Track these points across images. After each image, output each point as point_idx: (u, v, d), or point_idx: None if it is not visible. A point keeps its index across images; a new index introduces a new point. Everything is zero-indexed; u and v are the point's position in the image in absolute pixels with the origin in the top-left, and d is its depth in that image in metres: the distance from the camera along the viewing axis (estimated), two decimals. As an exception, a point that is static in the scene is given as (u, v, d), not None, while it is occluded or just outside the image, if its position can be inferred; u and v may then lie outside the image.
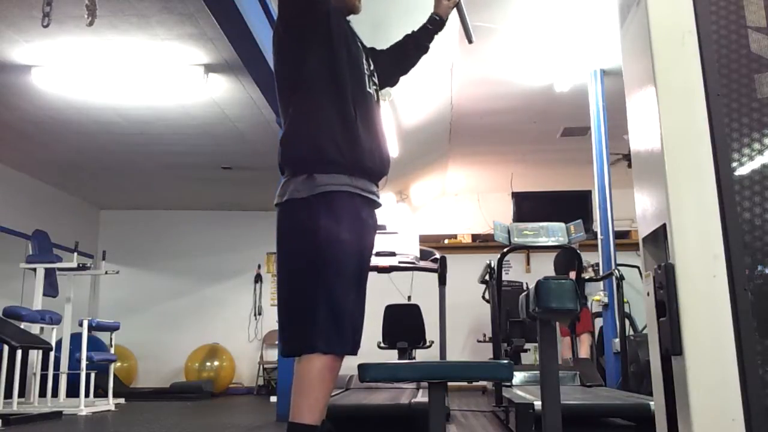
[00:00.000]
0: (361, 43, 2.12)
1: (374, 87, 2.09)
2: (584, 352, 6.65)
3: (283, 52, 2.00)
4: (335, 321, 1.82)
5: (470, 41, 2.29)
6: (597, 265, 5.94)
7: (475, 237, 8.83)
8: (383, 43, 2.30)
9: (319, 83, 1.94)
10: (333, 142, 1.90)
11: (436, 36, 2.33)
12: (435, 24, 2.30)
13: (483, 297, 6.42)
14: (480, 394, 6.67)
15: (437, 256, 4.99)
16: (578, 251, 4.98)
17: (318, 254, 1.86)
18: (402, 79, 2.43)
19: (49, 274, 6.15)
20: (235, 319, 8.94)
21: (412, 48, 2.31)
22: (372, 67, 2.12)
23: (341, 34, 1.99)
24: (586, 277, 5.72)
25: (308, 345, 1.82)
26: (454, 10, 2.30)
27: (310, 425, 1.78)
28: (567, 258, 6.64)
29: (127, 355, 8.31)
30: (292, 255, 1.91)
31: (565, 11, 4.73)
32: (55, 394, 5.95)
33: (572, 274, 5.87)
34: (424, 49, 2.34)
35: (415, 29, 2.32)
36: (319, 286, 1.84)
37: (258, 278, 9.14)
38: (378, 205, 2.05)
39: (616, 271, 5.09)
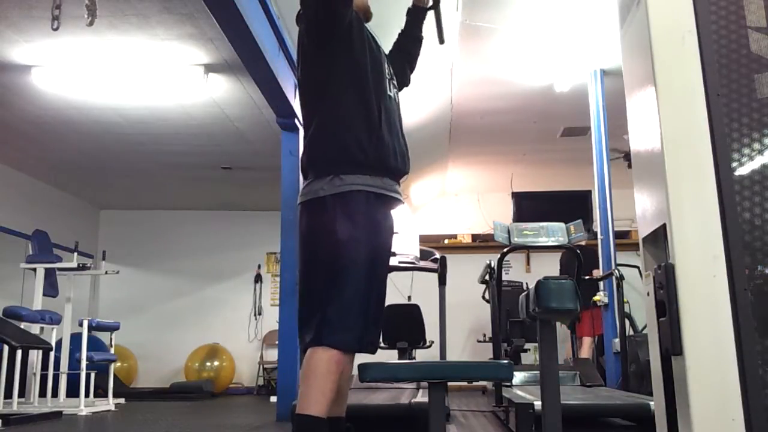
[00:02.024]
0: (381, 48, 2.20)
1: (395, 90, 2.20)
2: (585, 353, 6.64)
3: (309, 60, 2.08)
4: (344, 318, 1.90)
5: (441, 42, 2.37)
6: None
7: (475, 237, 8.83)
8: (384, 42, 2.32)
9: (345, 88, 2.03)
10: (358, 143, 1.99)
11: (422, 23, 2.41)
12: (412, 13, 2.40)
13: (483, 297, 6.42)
14: (480, 394, 6.68)
15: (437, 256, 4.99)
16: (578, 252, 4.98)
17: (331, 254, 1.94)
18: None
19: (49, 274, 6.15)
20: (235, 319, 8.94)
21: (408, 41, 2.41)
22: (392, 71, 2.22)
23: (363, 41, 2.08)
24: (596, 277, 5.71)
25: (317, 339, 1.91)
26: (432, 6, 2.37)
27: (315, 416, 1.82)
28: (573, 258, 6.62)
29: (127, 355, 8.31)
30: (309, 253, 2.01)
31: (565, 11, 4.72)
32: (55, 394, 5.94)
33: (596, 272, 5.84)
34: (418, 39, 2.43)
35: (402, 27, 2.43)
36: (331, 284, 1.92)
37: (258, 278, 9.14)
38: (399, 202, 2.13)
39: (616, 271, 5.09)
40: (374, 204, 2.02)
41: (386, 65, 2.17)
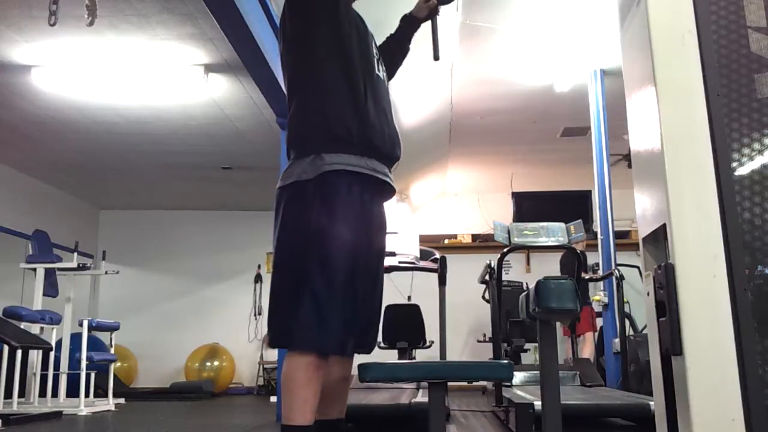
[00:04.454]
0: (369, 30, 2.08)
1: (383, 71, 2.05)
2: (587, 351, 6.64)
3: (291, 31, 1.95)
4: (319, 318, 1.75)
5: (436, 58, 2.26)
6: (597, 265, 5.95)
7: (475, 237, 8.83)
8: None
9: (329, 62, 1.89)
10: (341, 118, 1.84)
11: (412, 35, 2.27)
12: (407, 22, 2.25)
13: (483, 297, 6.42)
14: (480, 394, 6.67)
15: (437, 256, 4.99)
16: (579, 252, 4.98)
17: (307, 246, 1.78)
18: (401, 78, 2.41)
19: (49, 274, 6.15)
20: (235, 319, 8.94)
21: (394, 51, 2.27)
22: (379, 54, 2.08)
23: (349, 16, 1.96)
24: (587, 277, 5.72)
25: (291, 340, 1.77)
26: (428, 19, 2.25)
27: (301, 426, 1.74)
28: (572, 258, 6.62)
29: (127, 355, 8.31)
30: (283, 244, 1.83)
31: (565, 11, 4.72)
32: (55, 394, 5.94)
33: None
34: (405, 52, 2.29)
35: (392, 32, 2.28)
36: (305, 280, 1.76)
37: (258, 278, 9.14)
38: (391, 188, 1.97)
39: (616, 271, 5.09)
40: (360, 188, 1.86)
41: (374, 46, 2.05)
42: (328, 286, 1.77)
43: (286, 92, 1.99)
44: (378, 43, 2.19)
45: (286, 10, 1.96)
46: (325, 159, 1.81)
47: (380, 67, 2.03)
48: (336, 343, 1.79)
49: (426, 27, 2.30)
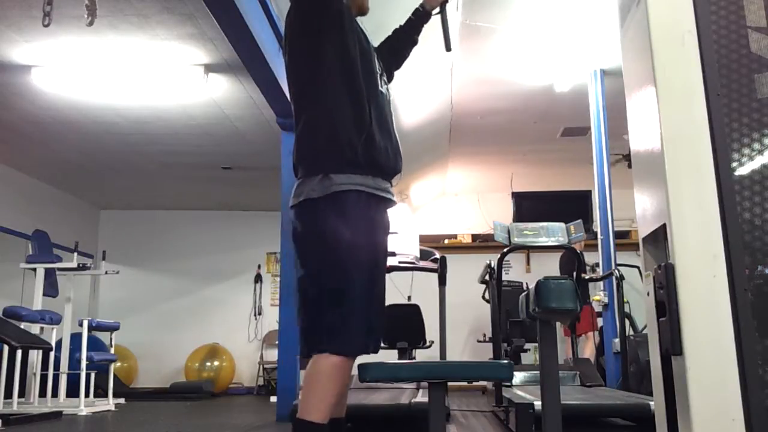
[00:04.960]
0: (371, 43, 2.14)
1: (385, 86, 2.12)
2: (588, 351, 6.64)
3: (297, 53, 2.02)
4: (345, 322, 1.85)
5: (448, 49, 2.30)
6: (597, 265, 5.95)
7: (475, 237, 8.83)
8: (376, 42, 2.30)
9: (335, 83, 1.96)
10: (349, 141, 1.92)
11: (422, 28, 2.34)
12: (419, 15, 2.32)
13: (483, 297, 6.42)
14: (480, 394, 6.68)
15: (437, 256, 4.99)
16: (579, 252, 4.98)
17: (328, 257, 1.89)
18: (401, 78, 2.43)
19: (49, 274, 6.15)
20: (235, 319, 8.94)
21: (403, 42, 2.34)
22: (382, 67, 2.15)
23: (354, 34, 2.01)
24: (587, 277, 5.72)
25: (319, 345, 1.85)
26: (439, 11, 2.30)
27: (316, 423, 1.79)
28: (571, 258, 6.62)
29: (127, 355, 8.31)
30: (306, 258, 1.94)
31: (565, 11, 4.72)
32: (55, 394, 5.95)
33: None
34: (414, 42, 2.36)
35: (402, 23, 2.35)
36: (330, 288, 1.87)
37: (258, 278, 9.14)
38: (392, 203, 2.07)
39: (616, 271, 5.09)
40: (368, 203, 1.96)
41: (376, 61, 2.11)
42: (352, 294, 1.87)
43: (292, 106, 2.07)
44: (383, 39, 2.24)
45: (294, 27, 2.01)
46: (333, 179, 1.90)
47: (383, 82, 2.10)
48: (361, 344, 1.88)
49: (428, 27, 2.33)
